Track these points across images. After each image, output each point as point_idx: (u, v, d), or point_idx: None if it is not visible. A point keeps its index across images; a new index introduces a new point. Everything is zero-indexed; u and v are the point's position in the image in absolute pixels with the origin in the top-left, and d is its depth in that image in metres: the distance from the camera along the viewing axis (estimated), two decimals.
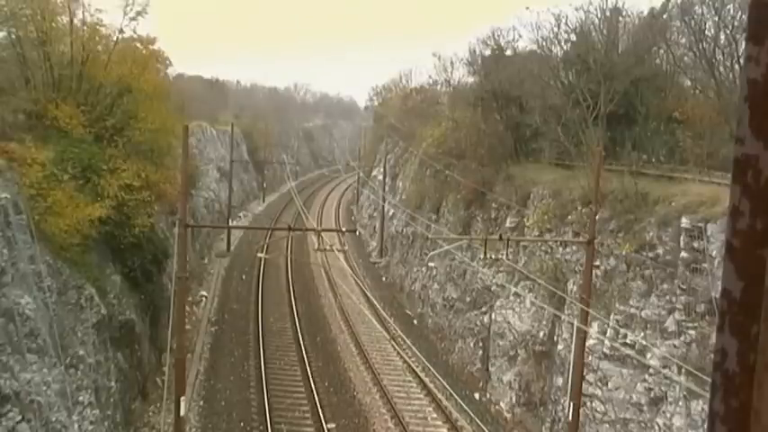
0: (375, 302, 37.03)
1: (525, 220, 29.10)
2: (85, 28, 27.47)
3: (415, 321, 38.26)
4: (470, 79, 44.22)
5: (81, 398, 17.32)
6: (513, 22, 66.13)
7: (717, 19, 24.18)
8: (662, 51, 29.24)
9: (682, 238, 19.02)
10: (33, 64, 26.36)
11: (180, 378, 20.03)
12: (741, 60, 1.27)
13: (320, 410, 25.21)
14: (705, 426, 2.40)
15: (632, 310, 20.64)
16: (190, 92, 59.28)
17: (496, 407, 27.68)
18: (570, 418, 19.35)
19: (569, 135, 27.16)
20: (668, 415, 18.25)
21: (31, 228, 16.41)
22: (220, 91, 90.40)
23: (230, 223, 52.95)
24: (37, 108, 24.86)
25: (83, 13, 27.37)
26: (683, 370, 17.03)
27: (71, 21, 27.00)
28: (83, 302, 19.23)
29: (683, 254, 18.85)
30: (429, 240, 36.64)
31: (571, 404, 19.32)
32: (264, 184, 79.41)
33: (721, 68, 24.33)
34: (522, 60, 34.62)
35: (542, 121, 30.22)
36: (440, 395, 27.15)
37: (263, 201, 77.17)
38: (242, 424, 24.59)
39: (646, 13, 30.77)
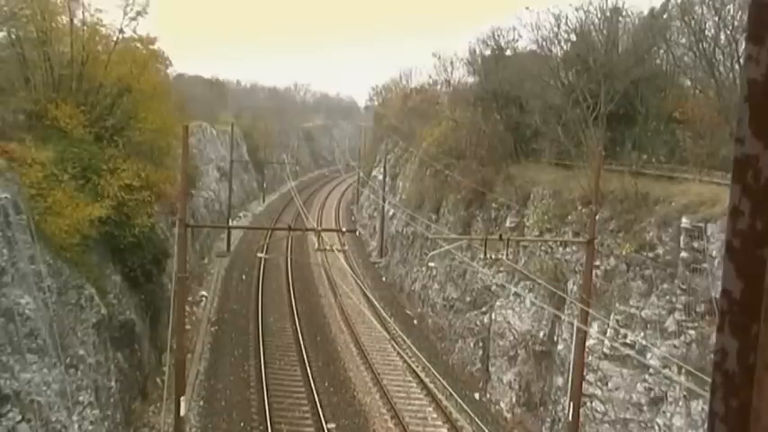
0: (375, 302, 37.03)
1: (525, 220, 29.10)
2: (85, 28, 27.47)
3: (415, 321, 38.26)
4: (470, 79, 44.30)
5: (81, 398, 17.32)
6: (513, 22, 66.05)
7: (717, 19, 24.18)
8: (662, 51, 29.24)
9: (682, 238, 19.02)
10: (33, 64, 26.36)
11: (180, 378, 20.04)
12: (741, 60, 1.27)
13: (320, 410, 25.20)
14: (705, 426, 2.40)
15: (632, 310, 20.64)
16: (190, 92, 59.25)
17: (496, 407, 27.68)
18: (570, 418, 19.34)
19: (569, 135, 27.16)
20: (668, 415, 18.25)
21: (31, 228, 16.41)
22: (220, 91, 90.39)
23: (230, 223, 52.94)
24: (37, 108, 24.86)
25: (83, 13, 27.43)
26: (683, 370, 17.02)
27: (71, 21, 27.00)
28: (83, 302, 19.23)
29: (683, 254, 18.85)
30: (429, 240, 36.64)
31: (571, 404, 19.32)
32: (264, 184, 79.42)
33: (721, 68, 24.33)
34: (522, 60, 34.62)
35: (542, 121, 30.22)
36: (440, 395, 27.14)
37: (263, 201, 77.17)
38: (242, 424, 24.59)
39: (646, 13, 30.79)
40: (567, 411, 20.07)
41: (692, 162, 23.13)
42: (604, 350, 21.18)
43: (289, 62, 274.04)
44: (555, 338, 24.88)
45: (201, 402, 26.19)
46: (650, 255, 20.43)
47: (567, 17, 30.47)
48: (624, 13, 30.17)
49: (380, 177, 58.92)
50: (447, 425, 25.15)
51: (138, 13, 27.72)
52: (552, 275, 25.06)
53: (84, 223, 20.34)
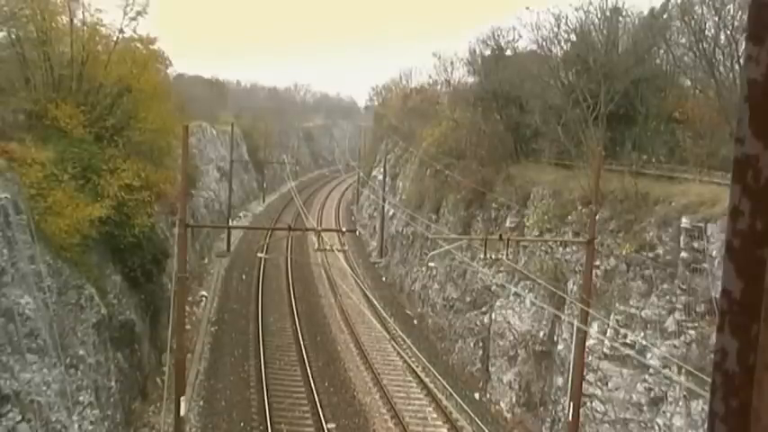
0: (375, 302, 37.03)
1: (525, 220, 29.09)
2: (85, 28, 27.47)
3: (415, 321, 38.26)
4: (470, 79, 44.30)
5: (81, 398, 17.32)
6: (513, 22, 66.10)
7: (717, 19, 24.16)
8: (662, 51, 29.23)
9: (682, 238, 19.02)
10: (33, 64, 26.36)
11: (180, 378, 20.04)
12: (741, 60, 1.27)
13: (320, 410, 25.21)
14: (705, 426, 2.40)
15: (632, 310, 20.64)
16: (190, 92, 59.23)
17: (496, 407, 27.68)
18: (570, 418, 19.34)
19: (569, 135, 27.15)
20: (668, 415, 18.25)
21: (31, 228, 16.41)
22: (220, 91, 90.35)
23: (230, 223, 52.93)
24: (37, 108, 24.85)
25: (83, 13, 27.42)
26: (683, 370, 17.02)
27: (71, 21, 26.99)
28: (83, 302, 19.23)
29: (683, 254, 18.85)
30: (429, 240, 36.64)
31: (571, 404, 19.32)
32: (264, 184, 79.41)
33: (721, 68, 24.31)
34: (522, 60, 34.62)
35: (542, 121, 30.20)
36: (440, 395, 27.14)
37: (263, 201, 77.17)
38: (242, 424, 24.59)
39: (646, 13, 30.78)
40: (567, 411, 20.07)
41: (692, 162, 23.12)
42: (604, 350, 21.17)
43: (289, 62, 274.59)
44: (555, 338, 24.88)
45: (201, 402, 26.19)
46: (650, 255, 20.42)
47: (567, 17, 30.48)
48: (624, 13, 30.18)
49: (380, 177, 58.91)
50: (447, 425, 25.15)
51: (138, 13, 27.74)
52: (552, 275, 25.06)
53: (84, 223, 20.34)
